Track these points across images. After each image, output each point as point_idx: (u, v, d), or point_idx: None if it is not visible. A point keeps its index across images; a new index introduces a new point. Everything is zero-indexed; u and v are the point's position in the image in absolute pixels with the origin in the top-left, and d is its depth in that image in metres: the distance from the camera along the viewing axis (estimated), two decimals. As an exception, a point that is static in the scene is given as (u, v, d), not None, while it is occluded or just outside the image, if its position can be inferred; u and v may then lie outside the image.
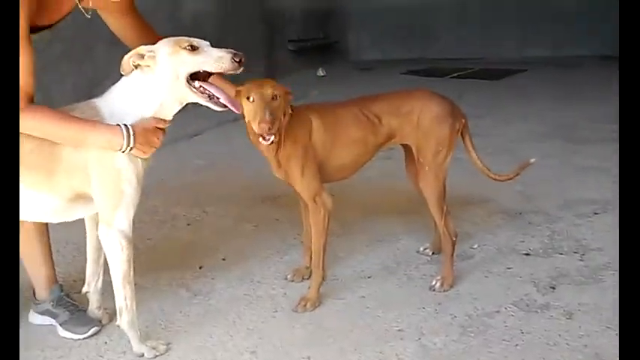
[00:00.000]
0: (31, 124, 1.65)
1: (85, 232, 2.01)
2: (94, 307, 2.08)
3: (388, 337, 1.98)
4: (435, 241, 2.51)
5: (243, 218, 3.01)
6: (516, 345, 1.91)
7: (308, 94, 6.04)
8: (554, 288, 2.26)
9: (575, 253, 2.55)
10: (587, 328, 1.99)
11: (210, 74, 1.77)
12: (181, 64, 1.72)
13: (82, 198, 1.79)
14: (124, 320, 1.86)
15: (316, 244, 2.15)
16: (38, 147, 1.70)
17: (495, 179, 2.41)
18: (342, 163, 2.19)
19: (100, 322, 2.06)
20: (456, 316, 2.09)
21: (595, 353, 1.85)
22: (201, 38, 1.77)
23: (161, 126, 1.78)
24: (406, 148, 2.33)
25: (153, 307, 2.19)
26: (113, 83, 1.82)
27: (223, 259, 2.58)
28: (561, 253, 2.55)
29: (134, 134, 1.70)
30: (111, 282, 1.85)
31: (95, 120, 1.73)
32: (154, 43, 1.78)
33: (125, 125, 1.71)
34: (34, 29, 1.75)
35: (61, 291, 2.12)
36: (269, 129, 1.90)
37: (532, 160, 2.38)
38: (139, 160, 1.78)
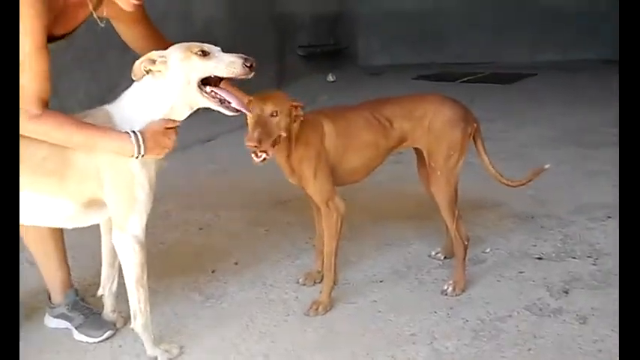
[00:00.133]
0: (44, 129, 1.68)
1: (100, 237, 2.03)
2: (108, 310, 2.10)
3: (400, 341, 1.98)
4: (447, 245, 2.51)
5: (255, 222, 3.03)
6: (529, 349, 1.91)
7: (318, 99, 6.07)
8: (567, 292, 2.25)
9: (588, 257, 2.53)
10: (600, 332, 1.97)
11: (221, 79, 1.79)
12: (193, 70, 1.74)
13: (95, 204, 1.81)
14: (138, 323, 1.88)
15: (328, 248, 2.16)
16: (52, 153, 1.72)
17: (508, 185, 2.40)
18: (354, 166, 2.20)
19: (115, 325, 2.08)
20: (468, 321, 2.08)
21: (609, 358, 1.84)
22: (212, 44, 1.80)
23: (170, 126, 1.79)
24: (418, 152, 2.33)
25: (166, 311, 2.20)
26: (125, 89, 1.85)
27: (235, 263, 2.59)
28: (574, 257, 2.53)
29: (143, 140, 1.72)
30: (125, 286, 1.87)
31: (107, 126, 1.75)
32: (164, 50, 1.80)
33: (134, 132, 1.72)
34: (51, 39, 1.78)
35: (76, 295, 2.15)
36: (255, 147, 1.91)
37: (546, 167, 2.38)
38: (151, 165, 1.80)
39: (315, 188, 2.11)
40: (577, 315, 2.09)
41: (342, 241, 2.21)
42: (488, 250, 2.63)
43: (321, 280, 2.29)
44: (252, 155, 1.96)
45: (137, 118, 1.78)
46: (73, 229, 1.93)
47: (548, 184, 3.22)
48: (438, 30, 8.83)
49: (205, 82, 1.76)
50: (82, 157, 1.75)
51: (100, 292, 2.09)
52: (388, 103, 2.25)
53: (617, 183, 3.25)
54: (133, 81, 1.82)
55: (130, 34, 2.00)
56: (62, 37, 1.90)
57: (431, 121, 2.20)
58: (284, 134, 1.99)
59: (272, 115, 1.95)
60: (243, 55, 1.74)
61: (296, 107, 2.01)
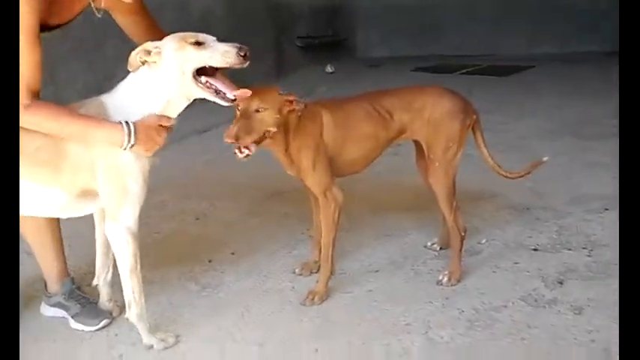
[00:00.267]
0: (35, 119, 1.68)
1: (95, 227, 2.03)
2: (104, 299, 2.11)
3: (395, 330, 1.99)
4: (443, 235, 2.51)
5: (252, 213, 3.03)
6: (523, 339, 1.92)
7: (316, 90, 6.06)
8: (562, 283, 2.26)
9: (583, 248, 2.54)
10: (595, 323, 1.98)
11: (216, 69, 1.78)
12: (187, 60, 1.73)
13: (89, 194, 1.82)
14: (132, 313, 1.89)
15: (326, 238, 2.16)
16: (45, 144, 1.72)
17: (507, 177, 2.40)
18: (353, 158, 2.20)
19: (111, 314, 2.09)
20: (463, 311, 2.09)
21: (603, 348, 1.85)
22: (208, 34, 1.78)
23: (164, 124, 1.78)
24: (417, 143, 2.33)
25: (162, 301, 2.21)
26: (122, 80, 1.84)
27: (232, 253, 2.60)
28: (570, 249, 2.54)
29: (135, 131, 1.71)
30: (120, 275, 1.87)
31: (99, 116, 1.75)
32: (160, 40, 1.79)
33: (127, 122, 1.72)
34: (45, 28, 1.77)
35: (73, 284, 2.15)
36: (232, 143, 1.89)
37: (545, 159, 2.38)
38: (144, 157, 1.79)
39: (314, 179, 2.11)
40: (571, 306, 2.10)
41: (340, 231, 2.21)
42: (484, 241, 2.63)
43: (318, 271, 2.30)
44: (236, 151, 1.94)
45: (132, 109, 1.77)
46: (69, 219, 1.93)
47: (546, 175, 3.22)
48: (437, 22, 8.80)
49: (201, 72, 1.76)
50: (77, 148, 1.74)
51: (95, 282, 2.10)
52: (387, 95, 2.25)
53: (616, 175, 3.28)
54: (129, 71, 1.82)
55: (127, 24, 1.99)
56: (57, 26, 1.89)
57: (430, 113, 2.19)
58: (272, 130, 1.97)
59: (257, 111, 1.93)
60: (237, 45, 1.72)
61: (291, 102, 1.99)
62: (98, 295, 2.12)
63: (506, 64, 7.53)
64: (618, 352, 1.72)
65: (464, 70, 7.34)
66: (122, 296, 1.91)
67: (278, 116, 1.97)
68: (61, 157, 1.74)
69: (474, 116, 2.27)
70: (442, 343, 1.91)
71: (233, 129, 1.90)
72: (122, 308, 2.03)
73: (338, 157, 2.16)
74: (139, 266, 1.85)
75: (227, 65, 1.73)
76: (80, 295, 2.13)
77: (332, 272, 2.22)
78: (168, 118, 1.80)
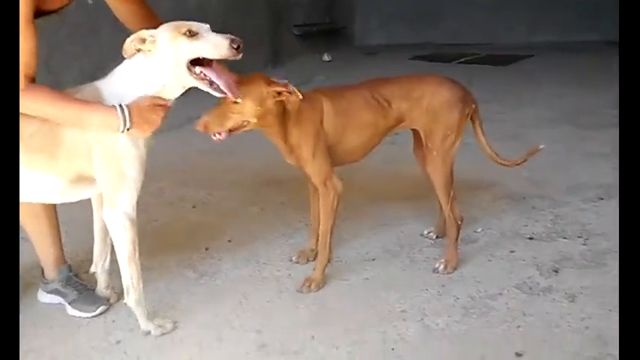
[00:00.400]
0: (29, 104, 1.67)
1: (92, 213, 2.03)
2: (102, 286, 2.11)
3: (391, 317, 2.00)
4: (439, 224, 2.52)
5: (249, 201, 3.03)
6: (518, 326, 1.93)
7: (314, 78, 6.03)
8: (557, 271, 2.28)
9: (579, 237, 2.56)
10: (589, 310, 2.00)
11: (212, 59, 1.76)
12: (180, 51, 1.72)
13: (85, 179, 1.81)
14: (130, 299, 1.89)
15: (324, 227, 2.17)
16: (39, 130, 1.72)
17: (503, 164, 2.41)
18: (352, 146, 2.20)
19: (108, 300, 2.10)
20: (458, 298, 2.11)
21: (597, 335, 1.87)
22: (205, 22, 1.77)
23: (159, 103, 1.77)
24: (415, 132, 2.33)
25: (160, 287, 2.22)
26: (117, 65, 1.83)
27: (229, 241, 2.60)
28: (565, 238, 2.56)
29: (130, 114, 1.71)
30: (118, 262, 1.87)
31: (94, 101, 1.74)
32: (155, 28, 1.78)
33: (121, 106, 1.71)
34: (40, 13, 1.76)
35: (70, 271, 2.16)
36: (202, 130, 1.91)
37: (541, 147, 2.39)
38: (141, 142, 1.79)
39: (314, 168, 2.11)
40: (566, 293, 2.11)
41: (338, 220, 2.22)
42: (480, 229, 2.65)
43: (315, 258, 2.30)
44: (212, 134, 1.96)
45: (128, 94, 1.77)
46: (67, 206, 1.94)
47: (544, 164, 3.23)
48: (435, 10, 8.76)
49: (196, 62, 1.75)
50: (72, 133, 1.74)
51: (92, 270, 2.10)
52: (387, 84, 2.24)
53: (613, 165, 3.30)
54: (125, 57, 1.81)
55: (122, 11, 1.98)
56: (52, 12, 1.87)
57: (429, 102, 2.19)
58: (252, 120, 1.95)
59: (235, 102, 1.91)
60: (230, 36, 1.71)
61: (279, 93, 1.95)
62: (95, 282, 2.12)
63: (505, 53, 7.51)
64: (618, 340, 1.73)
65: (462, 59, 7.32)
66: (120, 283, 1.92)
67: (259, 108, 1.94)
68: (57, 143, 1.74)
69: (473, 105, 2.27)
70: (437, 330, 1.93)
71: (204, 118, 1.92)
72: (119, 295, 2.04)
73: (337, 145, 2.16)
74: (137, 253, 1.85)
75: (219, 57, 1.72)
76: (77, 281, 2.14)
77: (329, 260, 2.23)
78: (163, 98, 1.79)
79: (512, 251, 2.45)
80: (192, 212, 2.95)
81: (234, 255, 2.48)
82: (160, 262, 2.40)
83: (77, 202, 1.92)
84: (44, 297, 2.15)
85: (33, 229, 2.10)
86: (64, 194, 1.84)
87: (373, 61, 7.55)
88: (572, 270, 2.29)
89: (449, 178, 2.25)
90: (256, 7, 6.65)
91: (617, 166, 3.25)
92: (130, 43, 1.76)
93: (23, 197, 1.81)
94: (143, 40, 1.75)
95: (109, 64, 1.86)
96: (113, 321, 2.02)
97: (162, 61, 1.75)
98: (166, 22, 1.83)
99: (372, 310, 2.05)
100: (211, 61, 1.77)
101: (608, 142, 3.70)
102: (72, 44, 4.38)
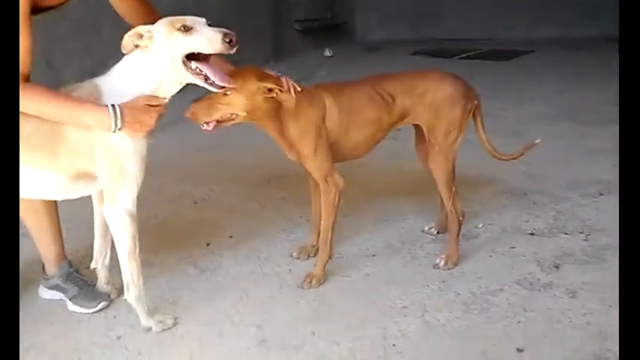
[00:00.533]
0: (26, 103, 1.66)
1: (93, 209, 2.03)
2: (102, 282, 2.12)
3: (392, 313, 2.00)
4: (440, 220, 2.52)
5: (250, 197, 3.03)
6: (519, 322, 1.93)
7: (316, 74, 6.02)
8: (557, 267, 2.28)
9: (580, 233, 2.55)
10: (589, 306, 2.00)
11: (209, 54, 1.75)
12: (176, 46, 1.72)
13: (85, 176, 1.81)
14: (131, 295, 1.89)
15: (325, 223, 2.17)
16: (38, 129, 1.72)
17: (500, 159, 2.42)
18: (356, 142, 2.19)
19: (109, 296, 2.10)
20: (459, 294, 2.11)
21: (598, 331, 1.87)
22: (205, 17, 1.76)
23: (153, 103, 1.76)
24: (417, 128, 2.33)
25: (161, 284, 2.22)
26: (117, 62, 1.83)
27: (230, 237, 2.60)
28: (566, 233, 2.55)
29: (122, 114, 1.70)
30: (118, 258, 1.87)
31: (87, 100, 1.73)
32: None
33: (113, 105, 1.71)
34: (39, 9, 1.75)
35: (71, 267, 2.16)
36: (190, 117, 1.92)
37: (537, 141, 2.40)
38: (141, 138, 1.79)
39: (315, 164, 2.11)
40: (567, 289, 2.11)
41: (339, 216, 2.21)
42: (481, 225, 2.65)
43: (315, 254, 2.30)
44: (200, 124, 1.96)
45: (126, 91, 1.76)
46: (68, 202, 1.93)
47: (544, 161, 3.23)
48: (436, 6, 8.74)
49: (193, 57, 1.74)
50: (75, 132, 1.74)
51: (93, 266, 2.10)
52: (390, 79, 2.23)
53: (613, 161, 3.29)
54: (125, 54, 1.80)
55: (123, 7, 1.97)
56: (50, 8, 1.86)
57: (432, 98, 2.19)
58: (240, 114, 1.94)
59: (224, 94, 1.90)
60: (223, 30, 1.69)
61: (270, 90, 1.93)
62: (96, 277, 2.12)
63: (506, 49, 7.50)
64: (618, 336, 1.73)
65: (463, 55, 7.30)
66: (120, 279, 1.92)
67: (247, 102, 1.93)
68: (58, 141, 1.74)
69: (476, 101, 2.26)
70: (438, 326, 1.93)
71: (193, 106, 1.92)
72: (120, 290, 2.04)
73: (341, 141, 2.15)
74: (137, 249, 1.85)
75: (213, 51, 1.71)
76: (78, 277, 2.14)
77: (330, 256, 2.23)
78: (157, 98, 1.78)
79: (513, 247, 2.45)
80: (192, 208, 2.95)
81: (235, 251, 2.48)
82: (161, 258, 2.40)
83: (78, 198, 1.92)
84: (45, 293, 2.15)
85: (33, 225, 2.11)
86: (64, 191, 1.84)
87: (375, 56, 7.53)
88: (573, 266, 2.29)
89: (451, 173, 2.24)
90: (258, 2, 6.63)
91: (617, 162, 3.25)
92: (128, 39, 1.76)
93: (24, 194, 1.81)
94: (140, 36, 1.74)
95: (110, 61, 1.86)
96: (114, 317, 2.02)
97: (159, 57, 1.74)
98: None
99: (373, 306, 2.05)
100: (208, 56, 1.76)
101: (608, 139, 3.69)
102: (73, 41, 4.37)
